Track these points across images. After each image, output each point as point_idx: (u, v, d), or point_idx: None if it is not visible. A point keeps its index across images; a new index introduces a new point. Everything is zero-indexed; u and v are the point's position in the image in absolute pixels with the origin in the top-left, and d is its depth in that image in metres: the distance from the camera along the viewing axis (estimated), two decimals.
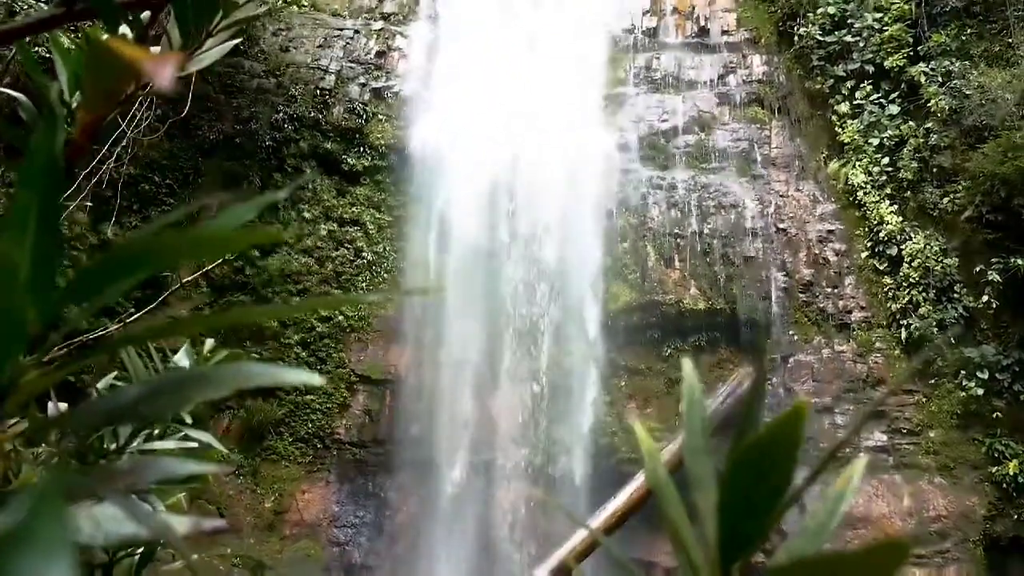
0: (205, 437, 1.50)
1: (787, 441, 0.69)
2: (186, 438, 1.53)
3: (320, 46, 17.97)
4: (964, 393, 13.94)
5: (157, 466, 0.57)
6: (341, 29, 18.45)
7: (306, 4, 18.78)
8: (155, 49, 1.22)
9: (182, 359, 1.56)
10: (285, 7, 18.26)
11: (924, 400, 14.41)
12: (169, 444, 1.44)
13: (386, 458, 15.40)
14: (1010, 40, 14.82)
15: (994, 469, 13.66)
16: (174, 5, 1.15)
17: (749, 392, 0.81)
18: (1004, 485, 13.56)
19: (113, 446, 1.37)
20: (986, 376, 13.77)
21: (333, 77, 17.59)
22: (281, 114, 16.59)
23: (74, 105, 1.23)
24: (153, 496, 1.55)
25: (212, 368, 0.53)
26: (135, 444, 1.42)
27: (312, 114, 16.99)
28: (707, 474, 0.80)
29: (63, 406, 1.55)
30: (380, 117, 17.53)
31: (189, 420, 1.50)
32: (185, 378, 0.55)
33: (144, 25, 1.23)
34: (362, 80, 17.80)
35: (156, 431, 1.50)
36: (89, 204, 13.39)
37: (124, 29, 1.22)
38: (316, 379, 0.62)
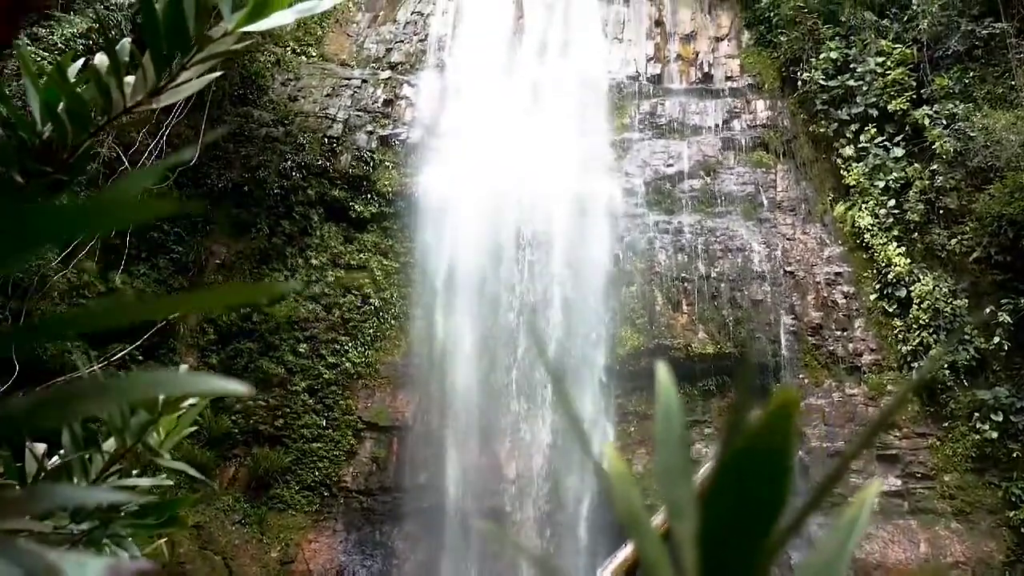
0: (189, 471, 1.46)
1: (776, 442, 0.57)
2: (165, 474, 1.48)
3: (328, 95, 18.20)
4: (978, 436, 13.74)
5: (56, 494, 0.53)
6: (349, 78, 18.71)
7: (315, 54, 19.08)
8: (129, 80, 1.22)
9: None
10: (294, 57, 18.55)
11: (938, 443, 14.21)
12: (144, 481, 1.40)
13: (393, 506, 15.22)
14: (1013, 83, 14.90)
15: (1011, 513, 13.40)
16: (146, 36, 1.14)
17: (737, 394, 0.63)
18: (1023, 530, 13.29)
19: (84, 481, 1.33)
20: (1000, 418, 13.58)
21: (341, 125, 17.78)
22: (289, 162, 16.74)
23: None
24: (129, 541, 1.50)
25: (114, 379, 0.50)
26: (111, 480, 1.37)
27: (320, 162, 17.14)
28: (685, 497, 0.66)
29: (40, 446, 1.51)
30: (387, 164, 17.67)
31: (167, 455, 1.46)
32: (82, 388, 0.51)
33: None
34: (369, 128, 17.99)
35: (135, 470, 1.46)
36: (98, 252, 13.46)
37: (101, 58, 1.21)
38: (242, 388, 0.59)
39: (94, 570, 0.47)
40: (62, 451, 1.47)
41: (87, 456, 1.39)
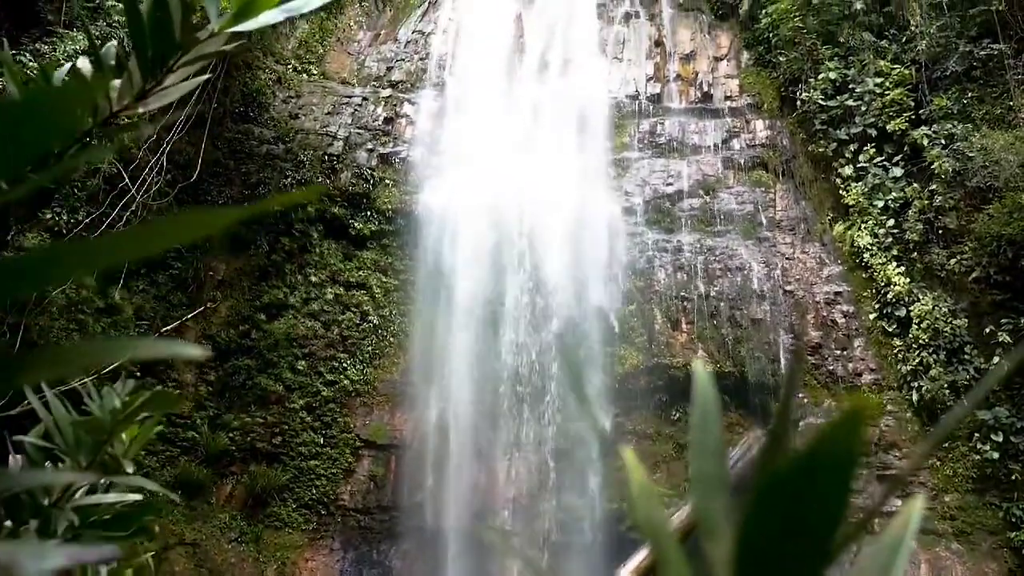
0: (149, 485, 1.43)
1: (839, 460, 0.49)
2: (132, 490, 1.45)
3: (329, 113, 18.27)
4: (979, 456, 13.67)
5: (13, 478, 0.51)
6: (350, 96, 18.78)
7: (316, 72, 19.17)
8: (116, 83, 1.21)
9: (108, 398, 1.48)
10: (295, 75, 18.64)
11: (938, 463, 14.14)
12: (110, 497, 1.37)
13: (391, 525, 15.12)
14: (1011, 103, 14.94)
15: (1012, 535, 13.31)
16: (132, 37, 1.14)
17: (783, 397, 0.57)
18: (1023, 551, 13.20)
19: (46, 501, 1.29)
20: (1001, 439, 13.52)
21: (341, 143, 17.83)
22: (289, 179, 16.78)
23: None
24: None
25: (65, 347, 0.49)
26: (76, 498, 1.34)
27: (320, 179, 17.18)
28: (721, 514, 0.59)
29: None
30: (387, 182, 17.71)
31: (130, 469, 1.43)
32: (33, 356, 0.50)
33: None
34: (370, 146, 18.04)
35: (99, 487, 1.43)
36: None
37: (84, 62, 1.21)
38: (195, 351, 0.56)
39: (53, 559, 0.44)
40: None
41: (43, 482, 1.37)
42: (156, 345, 0.55)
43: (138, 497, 1.36)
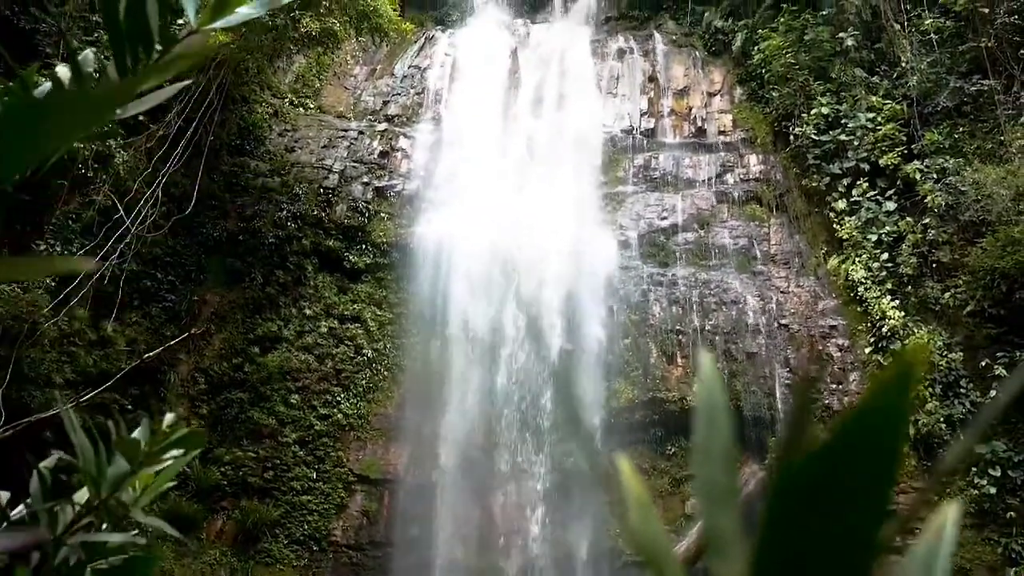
0: (156, 523, 1.37)
1: (886, 426, 0.41)
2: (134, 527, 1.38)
3: (325, 146, 18.35)
4: (977, 491, 13.56)
5: None
6: (346, 130, 18.88)
7: (312, 106, 19.29)
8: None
9: (138, 434, 1.43)
10: (292, 109, 18.75)
11: (935, 499, 13.98)
12: (116, 537, 1.31)
13: (384, 561, 14.91)
14: (1002, 138, 15.06)
15: (1012, 570, 13.16)
16: (110, 38, 1.12)
17: (799, 388, 0.49)
18: None
19: (50, 535, 1.24)
20: (998, 473, 13.43)
21: (337, 176, 17.89)
22: (284, 212, 16.79)
23: None
24: None
25: None
26: (78, 535, 1.28)
27: (315, 212, 17.19)
28: (732, 528, 0.51)
29: (4, 495, 1.43)
30: (382, 215, 17.74)
31: (141, 512, 1.37)
32: None
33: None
34: (365, 179, 18.10)
35: (105, 524, 1.37)
36: (89, 299, 13.40)
37: (63, 69, 1.19)
38: (88, 264, 0.52)
39: None
40: (29, 500, 1.38)
41: (55, 507, 1.31)
42: (54, 261, 0.52)
43: (143, 541, 1.30)
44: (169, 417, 1.52)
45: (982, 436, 13.77)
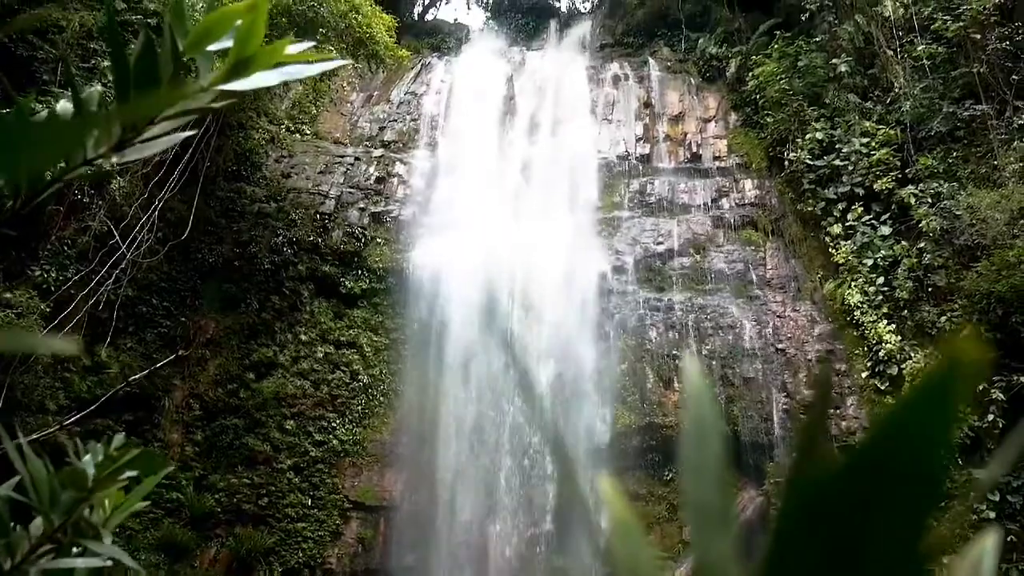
0: (126, 559, 1.34)
1: (920, 447, 0.36)
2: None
3: (321, 172, 18.38)
4: (976, 516, 13.49)
5: None
6: (342, 156, 18.93)
7: (309, 132, 19.35)
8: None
9: (89, 459, 1.41)
10: (288, 135, 18.80)
11: (934, 524, 13.92)
12: (80, 562, 1.28)
13: None
14: (996, 162, 15.13)
15: None
16: (116, 83, 1.11)
17: (816, 393, 0.44)
18: None
19: (8, 564, 1.21)
20: (997, 498, 13.36)
21: (333, 202, 17.91)
22: (281, 238, 16.79)
23: None
24: None
25: None
26: (43, 562, 1.26)
27: (311, 238, 17.19)
28: (727, 556, 0.45)
29: None
30: (379, 241, 17.74)
31: (108, 540, 1.34)
32: None
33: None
34: (361, 205, 18.12)
35: (75, 548, 1.34)
36: (84, 325, 13.34)
37: (64, 105, 1.17)
38: (70, 347, 0.51)
39: None
40: None
41: (6, 542, 1.27)
42: (35, 340, 0.50)
43: (109, 563, 1.28)
44: (118, 439, 1.50)
45: (979, 461, 13.75)
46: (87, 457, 1.39)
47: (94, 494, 1.37)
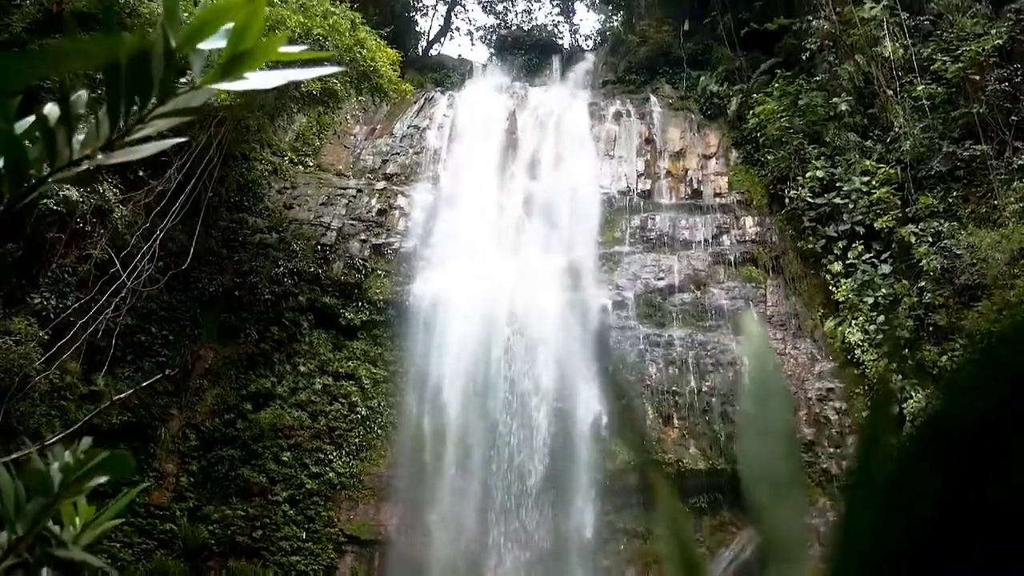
0: (81, 555, 1.30)
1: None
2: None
3: (323, 204, 18.45)
4: None
5: None
6: (344, 188, 19.01)
7: (312, 164, 19.45)
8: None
9: (59, 456, 1.36)
10: (291, 167, 18.90)
11: None
12: (44, 572, 1.24)
13: None
14: (995, 202, 15.17)
15: None
16: (106, 80, 1.09)
17: (880, 391, 0.35)
18: None
19: None
20: None
21: (334, 233, 17.94)
22: (281, 268, 16.79)
23: None
24: None
25: None
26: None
27: (312, 269, 17.20)
28: (796, 524, 0.41)
29: None
30: (379, 272, 17.75)
31: (79, 549, 1.30)
32: None
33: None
34: (363, 237, 18.15)
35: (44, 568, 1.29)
36: (82, 353, 13.30)
37: (51, 107, 1.16)
38: None
39: None
40: None
41: None
42: None
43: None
44: (84, 442, 1.45)
45: None
46: (54, 464, 1.35)
47: (60, 499, 1.32)
